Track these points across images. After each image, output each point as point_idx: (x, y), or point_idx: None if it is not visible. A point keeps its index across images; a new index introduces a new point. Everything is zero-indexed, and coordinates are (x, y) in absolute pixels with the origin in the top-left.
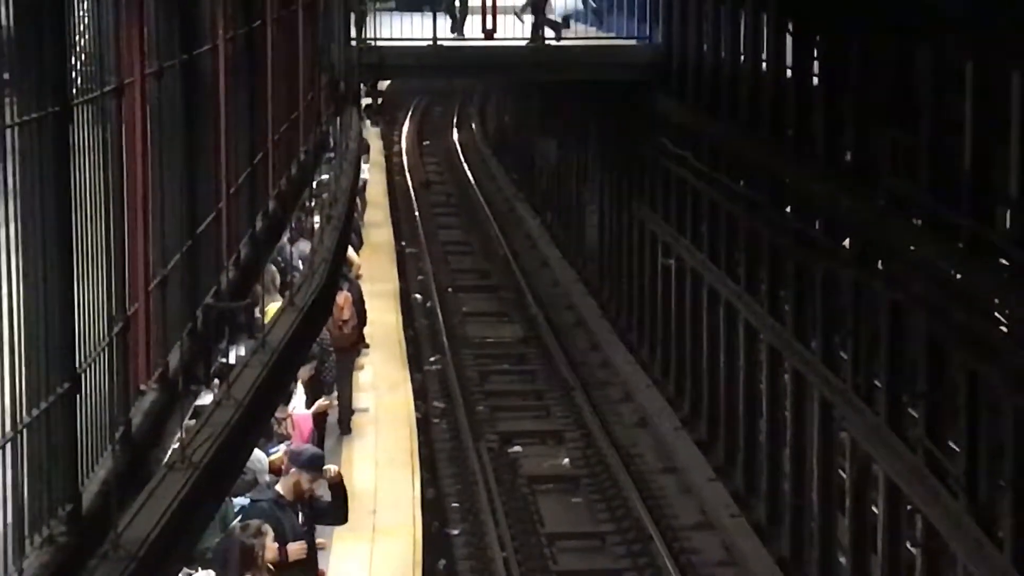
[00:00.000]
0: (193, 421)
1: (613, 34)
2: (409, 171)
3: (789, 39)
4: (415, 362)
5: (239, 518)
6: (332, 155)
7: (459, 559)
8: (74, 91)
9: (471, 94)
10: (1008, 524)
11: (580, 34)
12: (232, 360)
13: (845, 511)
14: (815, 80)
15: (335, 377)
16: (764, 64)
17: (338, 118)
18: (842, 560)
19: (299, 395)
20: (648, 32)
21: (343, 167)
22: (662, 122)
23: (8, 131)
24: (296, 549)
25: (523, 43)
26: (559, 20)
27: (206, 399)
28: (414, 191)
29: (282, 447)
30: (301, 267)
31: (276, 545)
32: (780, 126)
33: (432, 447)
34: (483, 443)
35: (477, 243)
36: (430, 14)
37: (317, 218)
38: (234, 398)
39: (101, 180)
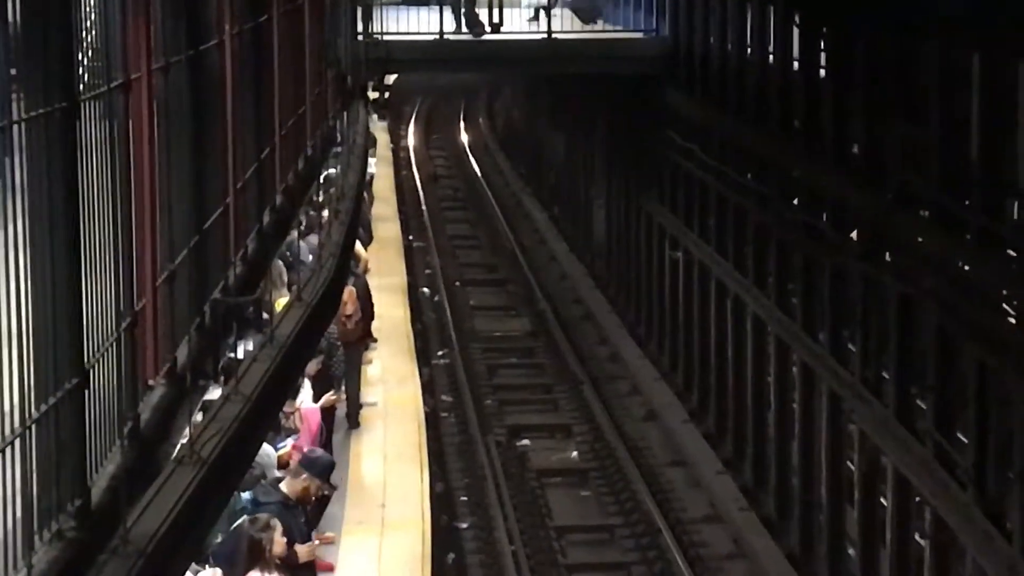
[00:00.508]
0: (201, 416)
1: (620, 27)
2: (416, 166)
3: (796, 32)
4: (423, 356)
5: (244, 518)
6: (339, 149)
7: (468, 552)
8: (81, 87)
9: (477, 92)
10: (1017, 516)
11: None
12: (240, 355)
13: (854, 504)
14: (823, 73)
15: (343, 371)
16: (771, 57)
17: (345, 112)
18: (851, 553)
19: (307, 389)
20: (655, 25)
21: (350, 161)
22: (670, 116)
23: (15, 127)
24: (306, 551)
25: (530, 36)
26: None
27: (214, 394)
28: (421, 185)
29: (290, 441)
30: (310, 261)
31: (284, 540)
32: (788, 119)
33: (441, 441)
34: (492, 437)
35: (485, 237)
36: (437, 8)
37: (326, 212)
38: (242, 393)
39: (108, 176)
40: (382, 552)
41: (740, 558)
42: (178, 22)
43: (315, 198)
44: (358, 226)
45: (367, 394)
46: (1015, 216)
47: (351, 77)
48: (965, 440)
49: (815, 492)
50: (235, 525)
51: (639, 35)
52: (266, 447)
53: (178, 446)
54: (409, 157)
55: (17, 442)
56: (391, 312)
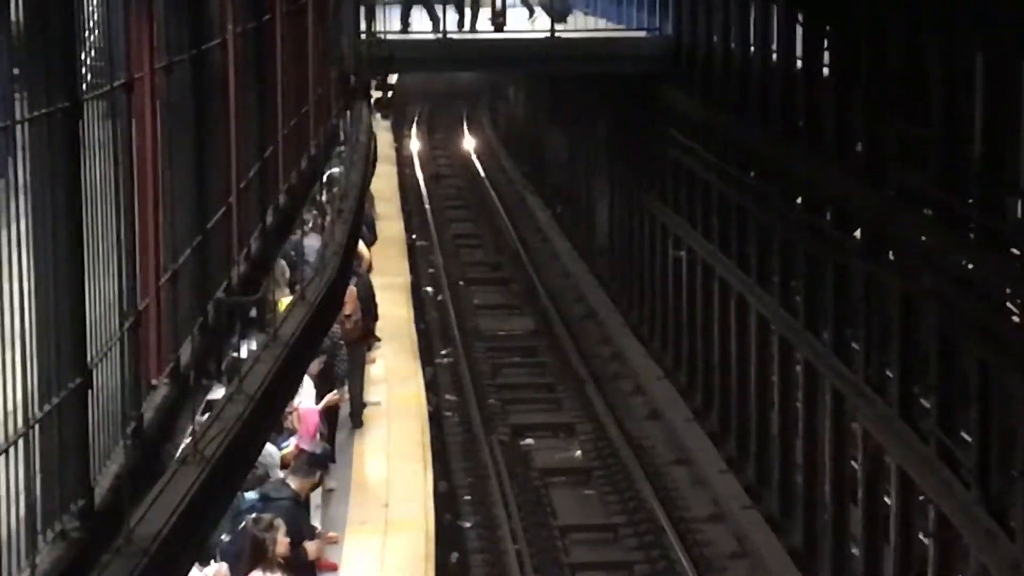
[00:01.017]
0: (205, 416)
1: (623, 25)
2: (419, 168)
3: (799, 31)
4: (426, 355)
5: (252, 516)
6: (343, 149)
7: (472, 552)
8: (84, 86)
9: (479, 98)
10: (1020, 515)
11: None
12: (243, 354)
13: (857, 502)
14: (825, 72)
15: (346, 371)
16: (774, 55)
17: (348, 112)
18: (855, 551)
19: (306, 389)
20: (658, 24)
21: (354, 161)
22: (672, 114)
23: (18, 127)
24: (315, 547)
25: (532, 35)
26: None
27: (218, 394)
28: (425, 184)
29: (293, 440)
30: (313, 260)
31: (287, 540)
32: (791, 118)
33: (444, 440)
34: (495, 436)
35: (488, 236)
36: (440, 7)
37: (329, 212)
38: (246, 392)
39: (111, 175)
40: (385, 551)
41: (743, 557)
42: (181, 21)
43: (318, 197)
44: (361, 225)
45: (370, 393)
46: (1017, 215)
47: (354, 76)
48: (968, 438)
49: (818, 490)
50: (243, 523)
51: (642, 34)
52: (269, 447)
53: (181, 446)
54: (412, 157)
55: (20, 442)
56: (394, 311)
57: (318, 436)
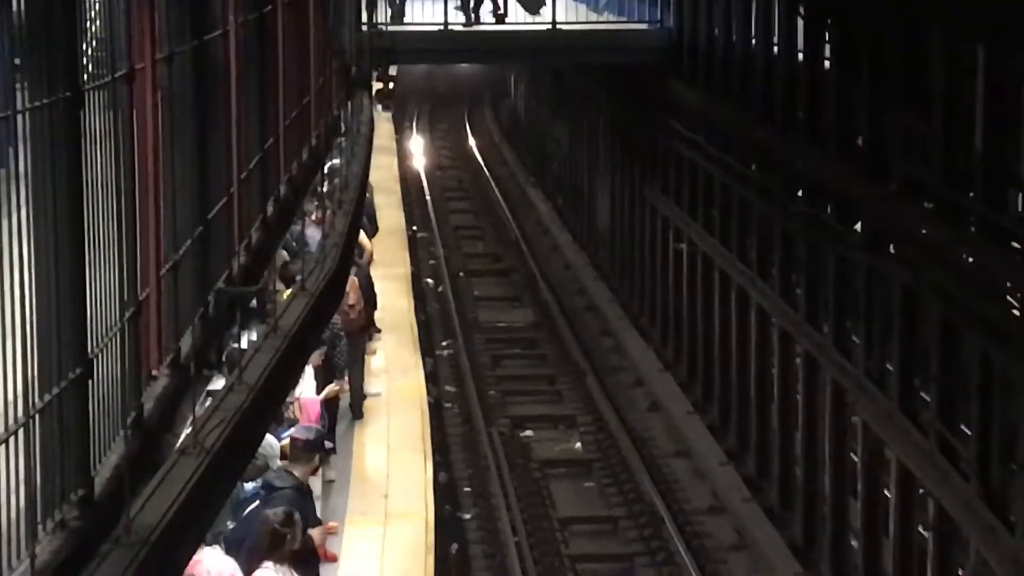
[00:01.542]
0: (205, 406)
1: (625, 18)
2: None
3: (801, 24)
4: (427, 347)
5: (255, 504)
6: (343, 140)
7: (471, 543)
8: (85, 77)
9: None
10: (1021, 508)
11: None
12: (244, 345)
13: (857, 495)
14: (827, 64)
15: (346, 362)
16: (776, 48)
17: (349, 103)
18: (854, 544)
19: (308, 379)
20: (660, 16)
21: (354, 152)
22: (674, 106)
23: (19, 116)
24: (319, 534)
25: (534, 27)
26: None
27: (218, 384)
28: (425, 176)
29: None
30: (314, 251)
31: (303, 536)
32: (792, 111)
33: (444, 431)
34: (495, 427)
35: (488, 227)
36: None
37: (329, 203)
38: (246, 383)
39: (112, 165)
40: (385, 542)
41: (743, 549)
42: (182, 12)
43: (319, 188)
44: (362, 216)
45: (370, 384)
46: (1018, 208)
47: (355, 67)
48: (968, 432)
49: (818, 483)
50: (249, 511)
51: (644, 26)
52: (269, 437)
53: (182, 436)
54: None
55: (20, 432)
56: (395, 302)
57: (320, 424)
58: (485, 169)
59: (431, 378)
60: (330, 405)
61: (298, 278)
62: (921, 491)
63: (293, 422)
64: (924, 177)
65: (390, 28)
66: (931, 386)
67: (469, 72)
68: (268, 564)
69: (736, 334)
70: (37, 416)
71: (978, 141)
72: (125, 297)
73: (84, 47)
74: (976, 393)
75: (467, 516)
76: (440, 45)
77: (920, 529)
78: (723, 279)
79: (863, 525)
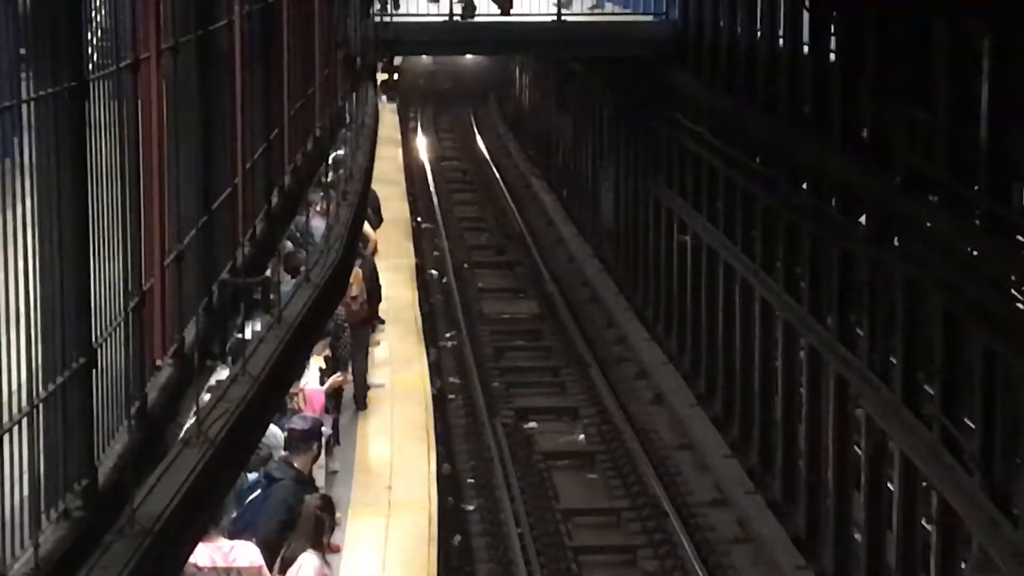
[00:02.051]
0: (208, 396)
1: (630, 10)
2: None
3: (806, 16)
4: (431, 338)
5: (256, 493)
6: (348, 130)
7: (474, 535)
8: (90, 66)
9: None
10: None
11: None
12: (248, 336)
13: (860, 488)
14: (832, 56)
15: (350, 353)
16: (781, 41)
17: (354, 94)
18: (857, 537)
19: (312, 370)
20: (665, 8)
21: (359, 143)
22: (678, 99)
23: (24, 106)
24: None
25: (539, 19)
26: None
27: (222, 374)
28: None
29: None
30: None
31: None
32: (797, 103)
33: (448, 423)
34: (498, 419)
35: (493, 219)
36: None
37: (334, 194)
38: (250, 374)
39: (117, 155)
40: (388, 533)
41: (746, 541)
42: (187, 1)
43: (324, 179)
44: (366, 207)
45: (374, 376)
46: (1023, 200)
47: (360, 58)
48: (972, 425)
49: (821, 476)
50: (251, 500)
51: (649, 18)
52: (273, 428)
53: (185, 426)
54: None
55: (24, 421)
56: (399, 293)
57: (322, 414)
58: (489, 161)
59: (435, 369)
60: (334, 396)
61: (302, 269)
62: (924, 484)
63: (297, 413)
64: (928, 170)
65: (395, 19)
66: (935, 379)
67: (474, 71)
68: (311, 551)
69: (740, 326)
70: (41, 406)
71: (983, 133)
72: (129, 287)
73: (89, 37)
74: (979, 386)
75: (470, 507)
76: (445, 36)
77: (923, 522)
78: (727, 271)
79: (866, 518)
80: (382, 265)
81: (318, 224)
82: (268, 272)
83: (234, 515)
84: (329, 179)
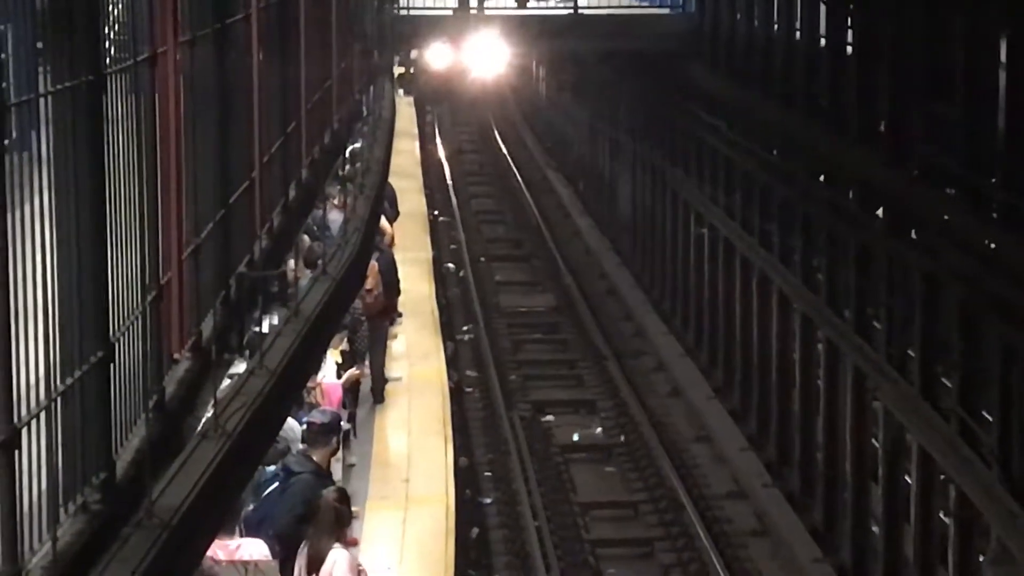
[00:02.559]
0: (226, 390)
1: (647, 3)
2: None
3: (823, 9)
4: (448, 331)
5: (274, 486)
6: (365, 124)
7: (492, 528)
8: (108, 60)
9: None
10: None
11: None
12: (265, 329)
13: (878, 481)
14: (849, 50)
15: (367, 346)
16: (798, 34)
17: (371, 87)
18: (875, 530)
19: (330, 363)
20: (682, 2)
21: (376, 136)
22: (696, 92)
23: (42, 100)
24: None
25: (556, 12)
26: None
27: (239, 368)
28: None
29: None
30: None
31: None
32: (814, 96)
33: (465, 416)
34: (516, 412)
35: (509, 212)
36: None
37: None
38: (267, 367)
39: (134, 149)
40: (406, 527)
41: (764, 534)
42: None
43: (341, 172)
44: (383, 200)
45: (392, 369)
46: None
47: (377, 51)
48: (990, 418)
49: (839, 469)
50: (268, 493)
51: (666, 11)
52: (290, 421)
53: (203, 420)
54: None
55: (42, 415)
56: (416, 287)
57: (339, 407)
58: (506, 154)
59: (452, 362)
60: (351, 390)
61: (320, 262)
62: (942, 477)
63: (315, 407)
64: (946, 162)
65: (412, 12)
66: (952, 372)
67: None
68: (339, 546)
69: (757, 319)
70: (59, 399)
71: (1000, 125)
72: (147, 281)
73: (106, 30)
74: (998, 379)
75: (488, 500)
76: (461, 30)
77: (941, 515)
78: (744, 264)
79: (884, 511)
80: (398, 258)
81: (335, 217)
82: (289, 267)
83: (251, 508)
84: (346, 172)
